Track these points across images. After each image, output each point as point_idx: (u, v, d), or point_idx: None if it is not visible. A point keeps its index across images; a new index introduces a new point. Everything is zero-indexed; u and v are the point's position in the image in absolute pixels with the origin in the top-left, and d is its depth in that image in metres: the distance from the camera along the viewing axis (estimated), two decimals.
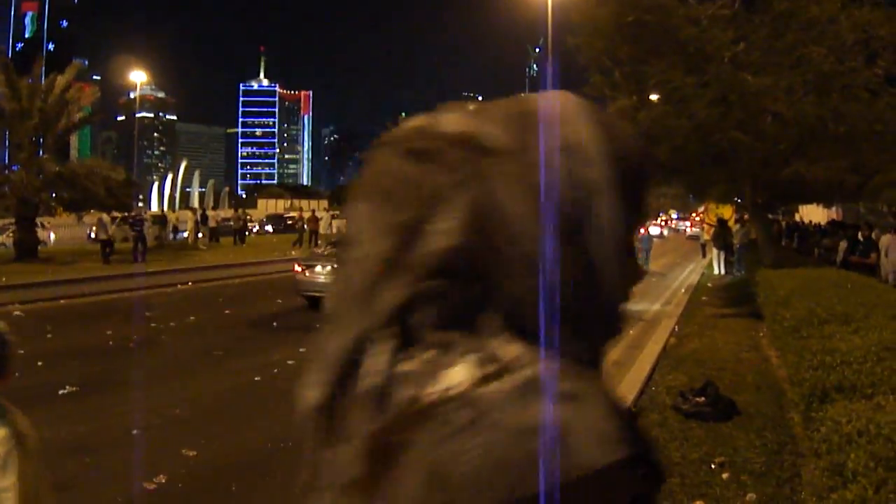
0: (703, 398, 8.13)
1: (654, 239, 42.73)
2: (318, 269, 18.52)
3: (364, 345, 0.79)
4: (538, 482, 0.67)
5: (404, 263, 0.79)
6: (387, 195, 0.84)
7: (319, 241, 39.83)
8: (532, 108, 0.85)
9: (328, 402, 0.80)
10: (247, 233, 46.10)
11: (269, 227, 65.49)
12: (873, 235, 19.74)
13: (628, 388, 9.37)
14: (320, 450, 0.81)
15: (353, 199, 0.88)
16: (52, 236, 41.56)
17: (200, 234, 42.45)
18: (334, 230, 38.33)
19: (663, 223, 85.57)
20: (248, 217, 59.57)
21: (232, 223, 44.75)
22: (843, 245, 21.34)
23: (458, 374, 0.74)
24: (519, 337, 0.78)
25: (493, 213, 0.78)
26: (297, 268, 19.17)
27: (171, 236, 42.38)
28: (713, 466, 6.57)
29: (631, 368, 10.61)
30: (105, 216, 31.20)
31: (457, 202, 0.79)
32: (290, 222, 66.19)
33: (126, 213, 35.72)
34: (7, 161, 33.08)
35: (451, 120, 0.87)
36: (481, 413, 0.71)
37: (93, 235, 43.68)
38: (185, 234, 43.65)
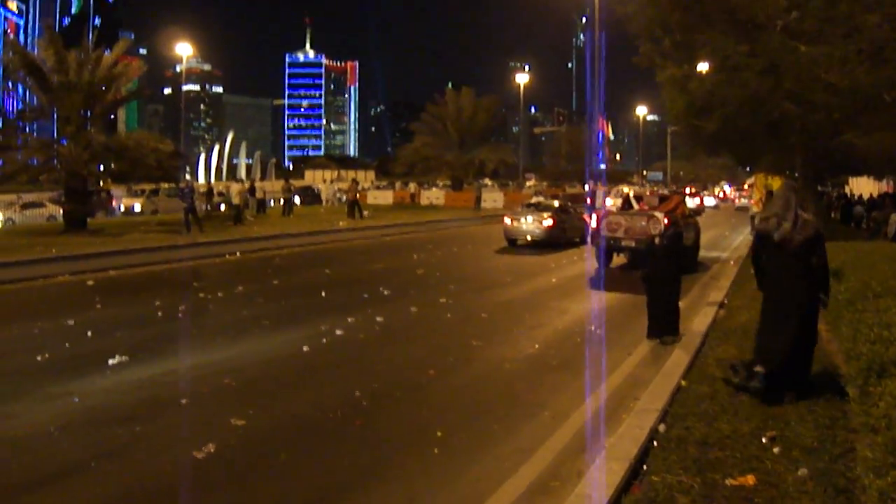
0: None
1: (708, 210, 47.42)
2: (522, 220, 26.12)
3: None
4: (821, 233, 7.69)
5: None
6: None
7: (365, 213, 40.06)
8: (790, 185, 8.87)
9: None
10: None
11: (296, 199, 64.99)
12: None
13: (678, 360, 9.28)
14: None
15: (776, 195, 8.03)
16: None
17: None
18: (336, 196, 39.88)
19: (721, 196, 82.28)
20: (295, 188, 59.68)
21: (282, 194, 45.38)
22: (894, 217, 20.95)
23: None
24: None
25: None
26: (507, 220, 26.75)
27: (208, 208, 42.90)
28: (764, 440, 6.47)
29: (681, 340, 10.54)
30: (235, 185, 32.69)
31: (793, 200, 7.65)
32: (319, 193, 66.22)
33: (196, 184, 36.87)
34: (56, 135, 33.42)
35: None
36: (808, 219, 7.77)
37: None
38: (222, 208, 44.21)
